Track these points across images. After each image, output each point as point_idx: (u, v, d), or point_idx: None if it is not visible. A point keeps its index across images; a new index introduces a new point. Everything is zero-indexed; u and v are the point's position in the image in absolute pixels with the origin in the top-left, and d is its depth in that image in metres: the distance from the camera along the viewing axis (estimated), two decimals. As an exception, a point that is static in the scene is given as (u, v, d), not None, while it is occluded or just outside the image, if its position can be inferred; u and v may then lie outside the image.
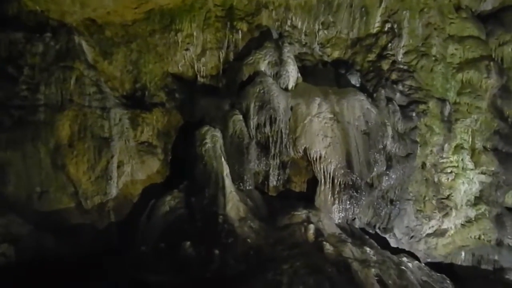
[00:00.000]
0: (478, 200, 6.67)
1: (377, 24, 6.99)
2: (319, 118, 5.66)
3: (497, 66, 6.87)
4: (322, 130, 5.60)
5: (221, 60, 6.33)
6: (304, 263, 4.44)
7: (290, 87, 6.05)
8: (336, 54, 7.12)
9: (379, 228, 6.32)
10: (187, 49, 6.36)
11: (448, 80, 6.86)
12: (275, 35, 6.48)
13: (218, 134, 5.46)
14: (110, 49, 6.22)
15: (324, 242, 4.82)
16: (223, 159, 5.27)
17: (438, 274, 5.50)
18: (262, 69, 6.04)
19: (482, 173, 6.63)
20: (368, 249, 4.98)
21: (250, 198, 5.47)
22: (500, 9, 7.49)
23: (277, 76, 6.03)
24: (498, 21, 7.30)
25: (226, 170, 5.23)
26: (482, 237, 6.55)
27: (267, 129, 5.67)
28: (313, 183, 5.81)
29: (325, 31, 6.97)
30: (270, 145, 5.72)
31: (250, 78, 6.05)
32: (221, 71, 6.36)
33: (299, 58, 6.80)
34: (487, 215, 6.60)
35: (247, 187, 5.59)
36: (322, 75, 6.75)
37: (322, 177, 5.53)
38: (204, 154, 5.34)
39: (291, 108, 5.81)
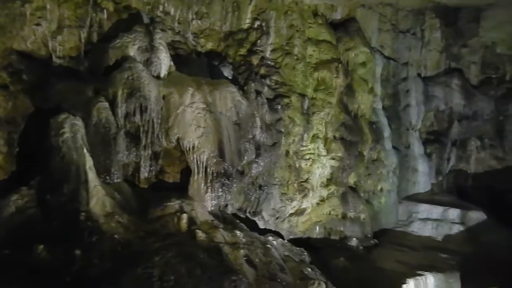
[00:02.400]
0: (329, 181, 7.78)
1: (247, 20, 7.38)
2: (192, 108, 5.67)
3: (343, 68, 8.10)
4: (195, 120, 5.63)
5: (83, 40, 5.67)
6: (176, 253, 4.45)
7: (162, 75, 5.86)
8: (209, 46, 7.23)
9: (249, 212, 6.78)
10: (38, 24, 5.47)
11: (307, 77, 7.75)
12: (146, 20, 6.16)
13: (79, 122, 4.91)
14: None
15: (197, 230, 4.91)
16: (85, 150, 4.78)
17: (298, 248, 6.28)
18: (131, 54, 5.68)
19: (332, 158, 7.75)
20: (238, 232, 5.31)
21: (119, 191, 5.14)
22: (346, 19, 8.83)
23: (148, 63, 5.76)
24: (345, 29, 8.60)
25: (89, 162, 4.76)
26: (332, 212, 7.70)
27: (137, 118, 5.40)
28: (186, 173, 5.83)
29: (199, 21, 6.99)
30: (140, 135, 5.48)
31: (117, 63, 5.63)
32: (82, 53, 5.71)
33: (172, 46, 6.66)
34: (336, 194, 7.78)
35: (115, 180, 5.23)
36: (196, 65, 6.77)
37: (196, 166, 5.59)
38: (62, 145, 4.74)
39: (163, 97, 5.66)
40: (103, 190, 4.85)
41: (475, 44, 9.63)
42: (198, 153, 5.56)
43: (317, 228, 7.61)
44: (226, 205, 6.22)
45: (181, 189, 5.69)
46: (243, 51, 7.31)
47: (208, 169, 5.59)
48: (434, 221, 8.10)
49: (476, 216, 7.88)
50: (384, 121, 8.97)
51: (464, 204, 8.45)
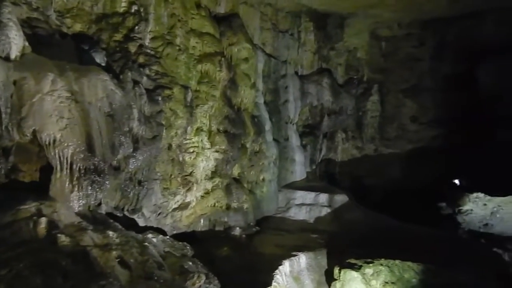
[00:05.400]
0: (213, 174, 7.87)
1: (123, 4, 6.81)
2: (53, 96, 4.97)
3: (227, 62, 8.24)
4: (56, 110, 4.95)
5: None
6: (31, 263, 3.87)
7: (12, 56, 4.97)
8: (78, 27, 6.45)
9: (127, 210, 6.36)
10: None
11: (190, 69, 7.62)
12: (-11, -12, 5.12)
13: None
14: None
15: (59, 235, 4.37)
16: None
17: (180, 243, 6.16)
18: (-32, 28, 4.66)
19: (216, 151, 7.84)
20: (111, 233, 4.92)
21: (-51, 196, 4.19)
22: (230, 14, 8.99)
23: (-8, 40, 4.81)
24: (228, 24, 8.74)
25: None
26: (216, 204, 7.82)
27: (-23, 106, 4.47)
28: (47, 170, 5.11)
29: (64, -1, 6.16)
30: (-18, 127, 4.55)
31: None
32: None
33: (28, 24, 5.72)
34: (220, 185, 7.92)
35: None
36: (60, 49, 5.99)
37: (58, 163, 4.94)
38: None
39: (14, 83, 4.81)
40: None
41: (341, 48, 11.00)
42: (60, 147, 4.90)
43: (202, 220, 7.63)
44: (99, 204, 5.70)
45: (40, 189, 4.96)
46: (118, 36, 6.74)
47: (74, 166, 5.00)
48: (308, 206, 8.98)
49: (341, 198, 9.03)
50: (265, 115, 9.50)
51: (332, 189, 9.60)
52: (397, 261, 6.26)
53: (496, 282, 5.83)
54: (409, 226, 8.11)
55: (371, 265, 6.29)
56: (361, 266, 6.32)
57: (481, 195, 9.35)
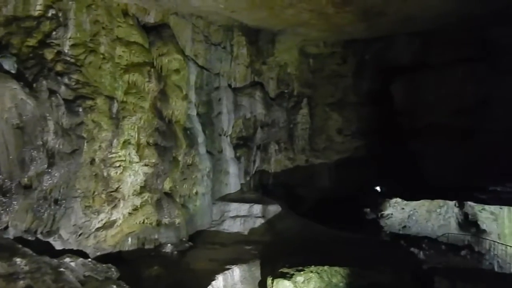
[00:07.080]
0: (142, 189, 7.47)
1: (39, 7, 6.31)
2: None
3: (156, 73, 7.99)
4: (-51, 122, 4.31)
5: None
6: None
7: None
8: (-18, 29, 5.78)
9: (41, 232, 5.73)
10: None
11: (116, 79, 7.24)
12: None
13: None
14: None
15: (-51, 267, 3.75)
16: None
17: (104, 265, 5.69)
18: None
19: (146, 165, 7.49)
20: (18, 260, 4.37)
21: None
22: (160, 24, 8.79)
23: None
24: (158, 34, 8.52)
25: None
26: (146, 221, 7.42)
27: None
28: None
29: (-37, -3, 5.48)
30: None
31: None
32: None
33: None
34: (150, 201, 7.55)
35: None
36: (-42, 52, 5.26)
37: (-49, 182, 4.28)
38: None
39: None
40: None
41: (272, 62, 11.39)
42: (-46, 165, 4.26)
43: (130, 239, 7.16)
44: (6, 228, 5.06)
45: None
46: (32, 42, 6.17)
47: (-28, 185, 4.37)
48: (242, 218, 8.97)
49: (274, 209, 9.20)
50: (198, 127, 9.37)
51: (266, 200, 9.75)
52: (325, 267, 6.50)
53: (411, 279, 6.37)
54: (338, 232, 8.53)
55: (302, 273, 6.45)
56: (292, 274, 6.44)
57: (399, 200, 10.28)
